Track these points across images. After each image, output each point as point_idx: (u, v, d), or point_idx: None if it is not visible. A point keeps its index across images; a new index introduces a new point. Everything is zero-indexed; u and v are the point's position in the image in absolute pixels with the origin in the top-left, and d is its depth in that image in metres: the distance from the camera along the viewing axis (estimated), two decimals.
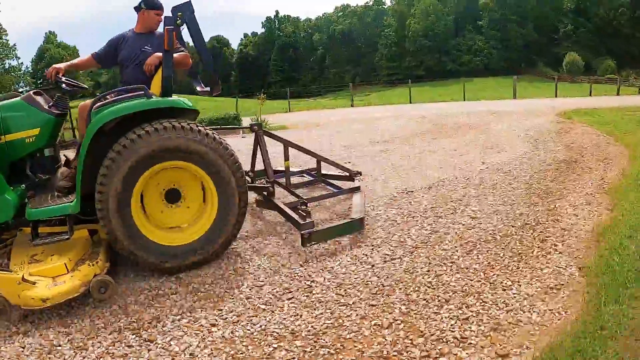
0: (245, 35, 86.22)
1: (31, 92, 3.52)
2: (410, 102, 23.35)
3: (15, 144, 3.36)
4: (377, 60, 67.49)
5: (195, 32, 3.59)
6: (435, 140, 8.82)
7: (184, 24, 3.54)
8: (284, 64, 76.43)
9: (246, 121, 14.14)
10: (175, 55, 3.58)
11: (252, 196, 4.99)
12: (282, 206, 4.25)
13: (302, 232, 3.70)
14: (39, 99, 3.53)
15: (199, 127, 3.33)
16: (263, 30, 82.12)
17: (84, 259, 3.28)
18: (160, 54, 3.48)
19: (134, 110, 3.20)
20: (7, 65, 47.83)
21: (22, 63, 56.32)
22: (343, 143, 9.14)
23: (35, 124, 3.40)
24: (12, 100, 3.43)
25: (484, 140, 8.49)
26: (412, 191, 5.26)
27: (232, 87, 72.22)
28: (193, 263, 3.49)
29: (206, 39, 3.96)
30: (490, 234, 3.86)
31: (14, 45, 49.74)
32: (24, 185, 3.43)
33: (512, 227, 3.99)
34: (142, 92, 3.32)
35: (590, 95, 23.33)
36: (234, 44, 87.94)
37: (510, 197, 4.86)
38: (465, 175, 5.85)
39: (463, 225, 4.08)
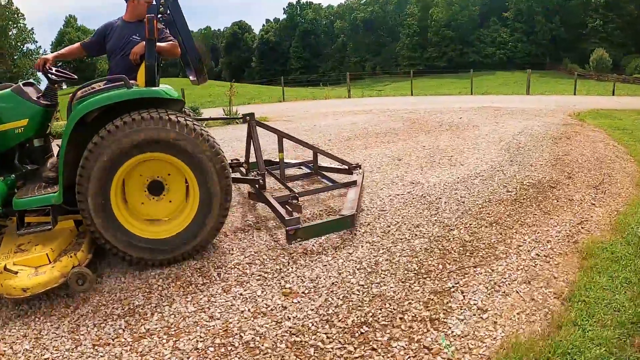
0: (267, 21, 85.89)
1: (21, 84, 3.54)
2: (412, 94, 22.51)
3: (5, 135, 3.41)
4: (399, 49, 66.68)
5: (179, 20, 3.53)
6: (387, 144, 7.47)
7: (168, 12, 3.46)
8: (304, 51, 76.07)
9: (209, 112, 13.83)
10: (162, 44, 3.52)
11: (246, 188, 4.96)
12: (271, 199, 4.10)
13: (287, 228, 3.57)
14: (28, 90, 3.55)
15: (179, 118, 3.24)
16: (285, 16, 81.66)
17: (67, 250, 3.30)
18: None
19: (113, 101, 3.15)
20: (25, 49, 48.65)
21: (40, 47, 57.14)
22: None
23: (24, 115, 3.44)
24: (1, 92, 3.47)
25: (451, 146, 7.09)
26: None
27: (253, 74, 72.37)
28: (172, 258, 3.44)
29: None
30: None
31: (32, 29, 50.74)
32: (13, 175, 3.48)
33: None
34: (122, 82, 3.25)
35: (613, 94, 21.35)
36: (256, 30, 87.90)
37: (391, 264, 3.25)
38: (370, 204, 4.55)
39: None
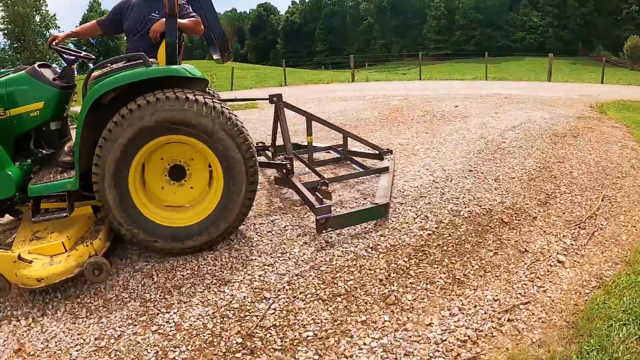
0: (293, 2, 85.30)
1: (36, 65, 3.45)
2: (420, 79, 21.34)
3: (20, 118, 3.30)
4: (425, 32, 65.73)
5: None
6: (333, 139, 6.30)
7: None
8: (329, 34, 75.55)
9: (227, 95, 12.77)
10: (184, 21, 3.41)
11: (272, 173, 4.83)
12: (299, 185, 3.94)
13: (318, 217, 3.42)
14: (44, 71, 3.43)
15: (205, 99, 3.09)
16: None
17: (84, 238, 3.18)
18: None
19: (131, 81, 3.01)
20: (47, 36, 49.96)
21: (62, 31, 58.54)
22: None
23: (39, 98, 3.31)
24: (16, 74, 3.39)
25: (409, 144, 5.99)
26: None
27: (279, 56, 72.22)
28: (191, 247, 3.31)
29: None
30: None
31: (54, 15, 51.59)
32: (29, 160, 3.36)
33: None
34: (141, 60, 3.12)
35: None
36: (282, 12, 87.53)
37: None
38: None
39: None
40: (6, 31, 46.99)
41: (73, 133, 3.64)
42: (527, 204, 3.70)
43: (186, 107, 3.01)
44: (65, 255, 2.97)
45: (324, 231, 3.47)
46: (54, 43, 3.55)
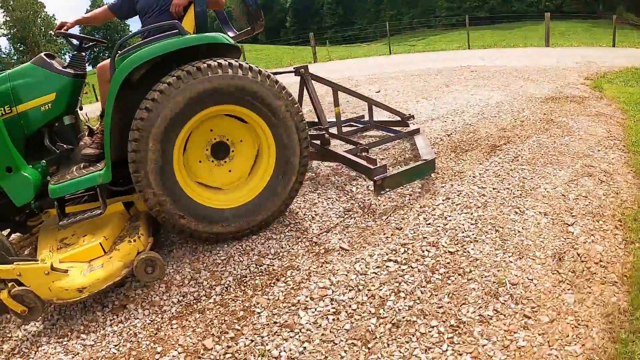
0: None
1: (42, 54, 3.18)
2: (390, 52, 20.13)
3: (30, 115, 2.99)
4: (436, 0, 63.88)
5: None
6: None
7: None
8: (338, 7, 74.06)
9: None
10: None
11: None
12: (344, 154, 3.89)
13: (375, 178, 3.42)
14: (51, 60, 3.17)
15: (257, 67, 2.92)
16: None
17: (122, 237, 2.89)
18: None
19: (170, 50, 2.78)
20: (49, 36, 50.81)
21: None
22: None
23: (50, 89, 3.02)
24: (21, 66, 3.11)
25: None
26: None
27: (289, 34, 71.10)
28: (250, 227, 3.12)
29: None
30: None
31: (53, 15, 53.86)
32: (44, 160, 3.08)
33: None
34: (177, 29, 2.89)
35: None
36: None
37: None
38: None
39: None
40: (10, 36, 48.27)
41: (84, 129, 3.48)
42: None
43: (246, 74, 2.79)
44: (106, 258, 2.67)
45: (382, 192, 3.51)
46: (64, 29, 3.31)
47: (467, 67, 10.36)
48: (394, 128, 5.04)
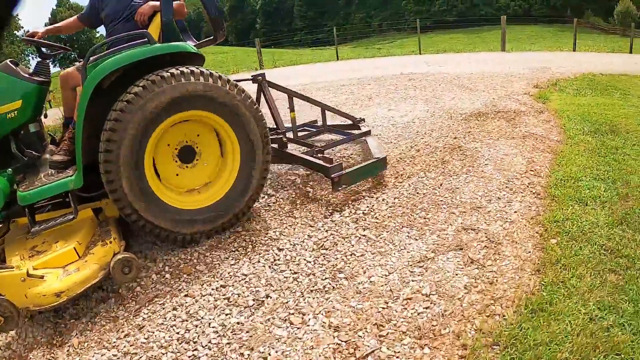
0: None
1: (8, 61, 3.17)
2: (338, 59, 18.62)
3: None
4: (405, 3, 64.19)
5: None
6: None
7: None
8: (308, 9, 73.62)
9: None
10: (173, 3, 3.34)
11: None
12: (302, 155, 4.11)
13: (332, 175, 3.66)
14: (17, 67, 3.17)
15: (217, 73, 3.11)
16: None
17: (95, 241, 2.93)
18: (153, 2, 3.28)
19: (139, 58, 2.89)
20: (15, 36, 49.46)
21: (27, 31, 59.29)
22: None
23: (17, 96, 3.04)
24: None
25: None
26: None
27: (259, 35, 70.43)
28: (221, 224, 3.29)
29: None
30: None
31: (16, 15, 51.80)
32: (10, 169, 3.06)
33: None
34: (146, 38, 3.00)
35: (630, 51, 16.05)
36: None
37: None
38: None
39: None
40: None
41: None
42: None
43: (210, 81, 3.02)
44: (81, 262, 2.71)
45: (339, 188, 3.73)
46: (36, 37, 3.34)
47: (408, 75, 9.42)
48: (346, 131, 5.23)
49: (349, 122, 5.38)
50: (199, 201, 3.24)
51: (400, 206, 3.56)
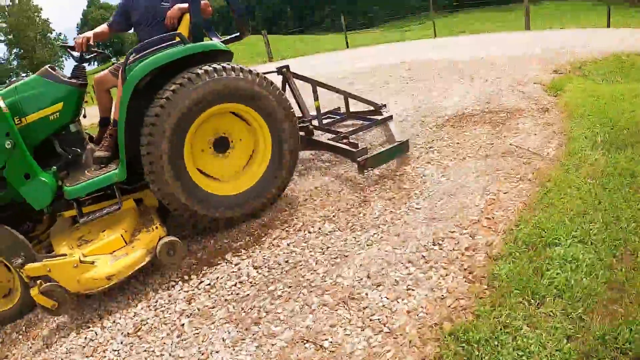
0: None
1: (47, 67, 3.44)
2: (347, 46, 17.66)
3: (39, 124, 3.20)
4: None
5: None
6: None
7: None
8: None
9: None
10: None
11: None
12: (327, 141, 4.34)
13: (358, 159, 3.83)
14: (55, 72, 3.41)
15: (247, 67, 3.35)
16: None
17: (139, 229, 3.16)
18: (181, 5, 3.48)
19: (174, 58, 3.13)
20: (49, 41, 52.40)
21: (60, 34, 61.38)
22: None
23: (57, 99, 3.24)
24: (28, 78, 3.35)
25: None
26: None
27: (258, 25, 69.77)
28: (253, 209, 3.52)
29: None
30: None
31: (47, 19, 55.16)
32: (54, 167, 3.26)
33: None
34: (180, 39, 3.26)
35: None
36: None
37: None
38: None
39: None
40: (7, 41, 48.92)
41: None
42: None
43: (241, 75, 3.24)
44: (129, 247, 2.92)
45: (365, 171, 3.91)
46: (91, 43, 3.55)
47: (409, 62, 8.37)
48: (369, 117, 5.40)
49: (371, 108, 5.54)
50: (234, 188, 3.47)
51: (251, 284, 2.66)
